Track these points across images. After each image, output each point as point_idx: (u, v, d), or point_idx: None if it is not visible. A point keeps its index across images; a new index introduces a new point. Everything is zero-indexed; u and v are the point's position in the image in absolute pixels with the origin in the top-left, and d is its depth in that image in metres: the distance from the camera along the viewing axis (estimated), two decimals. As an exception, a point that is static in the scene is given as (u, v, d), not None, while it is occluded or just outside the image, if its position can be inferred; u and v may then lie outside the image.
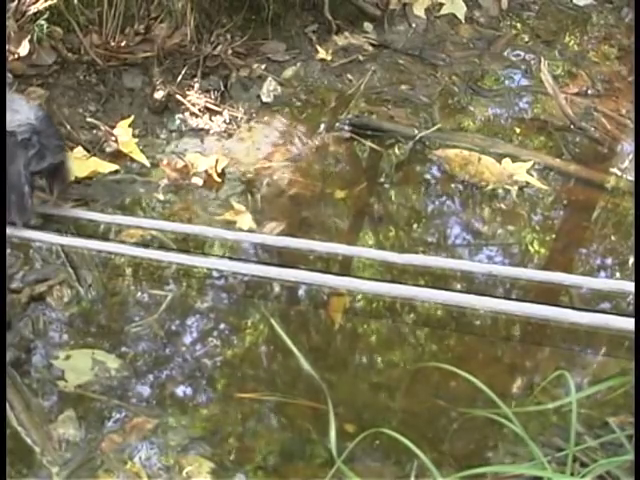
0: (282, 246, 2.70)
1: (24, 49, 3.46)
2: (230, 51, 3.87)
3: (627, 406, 2.36)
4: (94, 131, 3.41)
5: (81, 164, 3.15)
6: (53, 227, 2.91)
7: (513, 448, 2.29)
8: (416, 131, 3.57)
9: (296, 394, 2.44)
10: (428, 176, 3.42)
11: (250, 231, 2.98)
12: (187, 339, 2.63)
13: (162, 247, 2.74)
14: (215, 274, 2.76)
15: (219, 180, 3.22)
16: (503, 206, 3.24)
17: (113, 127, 3.41)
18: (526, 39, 4.32)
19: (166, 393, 2.45)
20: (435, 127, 3.59)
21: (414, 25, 4.27)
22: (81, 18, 3.65)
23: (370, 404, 2.45)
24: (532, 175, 3.36)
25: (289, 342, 2.42)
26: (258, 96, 3.74)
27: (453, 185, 3.32)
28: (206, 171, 3.26)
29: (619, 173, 3.44)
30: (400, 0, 4.28)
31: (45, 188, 2.60)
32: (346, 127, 3.62)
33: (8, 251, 2.78)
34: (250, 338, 2.66)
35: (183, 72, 3.69)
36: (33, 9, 3.49)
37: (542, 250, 3.10)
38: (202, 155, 3.34)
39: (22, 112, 2.45)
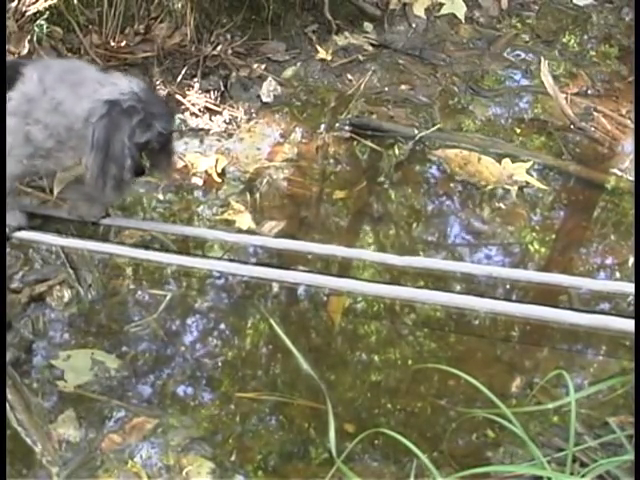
0: (281, 248, 2.71)
1: (24, 49, 3.46)
2: (230, 51, 3.88)
3: (627, 406, 2.36)
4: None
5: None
6: (53, 227, 2.92)
7: (513, 448, 2.29)
8: (416, 131, 3.57)
9: (296, 394, 2.44)
10: (428, 176, 3.42)
11: (249, 231, 2.98)
12: (187, 339, 2.63)
13: (162, 247, 2.74)
14: (215, 274, 2.76)
15: (219, 180, 3.22)
16: (503, 206, 3.24)
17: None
18: (526, 39, 4.32)
19: (166, 393, 2.45)
20: (435, 127, 3.60)
21: (414, 25, 4.27)
22: (81, 18, 3.66)
23: (370, 404, 2.45)
24: (532, 175, 3.36)
25: (288, 342, 2.42)
26: (258, 96, 3.74)
27: (453, 185, 3.32)
28: (206, 171, 3.26)
29: (619, 173, 3.44)
30: (400, 0, 4.29)
31: (144, 166, 2.39)
32: (346, 127, 3.62)
33: (8, 251, 2.78)
34: (250, 338, 2.66)
35: (183, 72, 3.69)
36: (33, 9, 3.49)
37: (542, 250, 3.10)
38: (202, 155, 3.35)
39: (121, 84, 2.34)
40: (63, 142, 2.39)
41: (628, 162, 3.48)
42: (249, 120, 3.60)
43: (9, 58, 2.63)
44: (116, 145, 2.29)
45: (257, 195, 3.24)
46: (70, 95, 2.35)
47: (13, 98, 2.39)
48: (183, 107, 3.56)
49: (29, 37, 3.47)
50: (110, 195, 2.43)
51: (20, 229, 2.54)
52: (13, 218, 2.52)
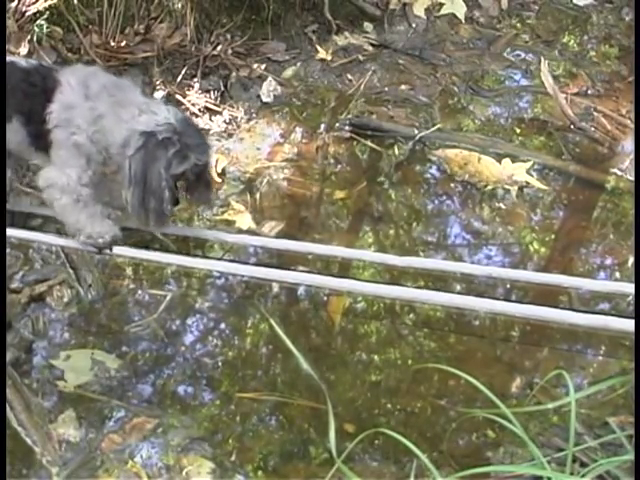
0: (281, 248, 2.71)
1: (24, 49, 3.46)
2: (230, 51, 3.87)
3: (627, 406, 2.36)
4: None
5: None
6: (53, 227, 2.92)
7: (513, 448, 2.29)
8: (416, 131, 3.57)
9: (296, 394, 2.44)
10: (428, 176, 3.42)
11: (249, 231, 2.98)
12: (187, 339, 2.63)
13: (162, 247, 2.73)
14: (215, 274, 2.76)
15: (219, 180, 3.22)
16: (503, 206, 3.24)
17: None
18: (526, 39, 4.32)
19: (166, 393, 2.45)
20: (435, 127, 3.60)
21: (414, 25, 4.27)
22: (81, 18, 3.65)
23: (370, 404, 2.45)
24: (532, 175, 3.36)
25: (288, 342, 2.42)
26: (258, 96, 3.74)
27: (453, 185, 3.32)
28: (206, 171, 3.26)
29: (619, 173, 3.44)
30: (400, 0, 4.28)
31: (178, 196, 2.39)
32: (346, 127, 3.62)
33: (8, 251, 2.78)
34: (250, 338, 2.66)
35: (183, 72, 3.69)
36: (33, 9, 3.49)
37: (542, 250, 3.10)
38: (202, 155, 3.34)
39: (160, 113, 2.32)
40: (109, 154, 2.38)
41: (628, 162, 3.48)
42: (249, 120, 3.60)
43: (40, 64, 2.57)
44: (153, 178, 2.28)
45: (257, 195, 3.24)
46: (111, 113, 2.33)
47: (54, 110, 2.36)
48: (183, 107, 3.56)
49: (29, 37, 3.47)
50: (153, 227, 2.42)
51: (117, 241, 2.46)
52: (107, 229, 2.43)
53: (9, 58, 2.56)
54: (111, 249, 2.48)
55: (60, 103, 2.36)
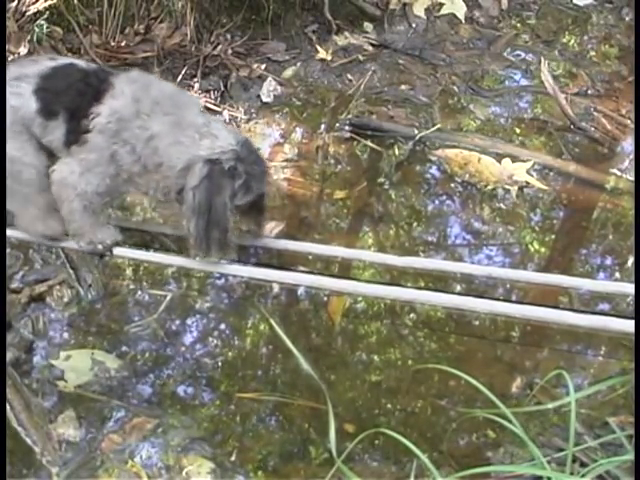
0: (281, 248, 2.71)
1: (24, 49, 3.46)
2: (230, 51, 3.88)
3: (627, 406, 2.36)
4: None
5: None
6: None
7: (513, 448, 2.29)
8: (416, 131, 3.57)
9: (296, 394, 2.44)
10: (428, 176, 3.42)
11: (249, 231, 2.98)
12: (187, 339, 2.63)
13: (162, 247, 2.73)
14: (215, 274, 2.76)
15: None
16: (503, 206, 3.24)
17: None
18: (526, 39, 4.32)
19: (166, 393, 2.45)
20: (435, 127, 3.60)
21: (414, 25, 4.27)
22: (81, 18, 3.66)
23: (370, 404, 2.45)
24: (532, 175, 3.36)
25: (288, 342, 2.42)
26: (258, 96, 3.74)
27: (453, 185, 3.32)
28: (206, 171, 3.25)
29: (619, 173, 3.44)
30: (400, 0, 4.29)
31: (216, 239, 2.28)
32: (346, 127, 3.62)
33: (8, 251, 2.78)
34: (250, 338, 2.66)
35: (183, 72, 3.69)
36: (33, 9, 3.49)
37: (542, 250, 3.10)
38: (202, 155, 3.34)
39: (221, 137, 2.23)
40: (150, 171, 2.29)
41: (628, 162, 3.48)
42: (249, 120, 3.60)
43: (100, 68, 2.51)
44: (219, 209, 2.21)
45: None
46: (166, 133, 2.25)
47: (102, 114, 2.28)
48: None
49: (29, 37, 3.47)
50: (215, 257, 2.33)
51: (117, 244, 2.47)
52: (108, 234, 2.44)
53: (69, 60, 2.50)
54: (111, 253, 2.47)
55: (109, 109, 2.28)
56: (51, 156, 2.49)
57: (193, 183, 2.21)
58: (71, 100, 2.34)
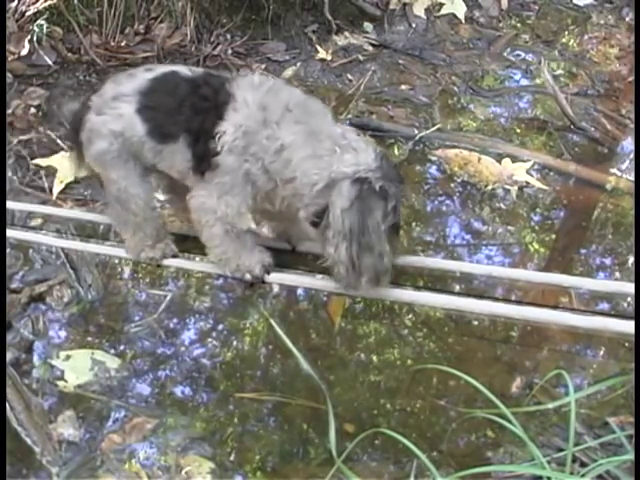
0: (283, 249, 2.71)
1: (24, 49, 3.46)
2: (230, 51, 3.88)
3: (627, 406, 2.36)
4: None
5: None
6: (53, 227, 2.92)
7: (513, 448, 2.29)
8: (416, 131, 3.57)
9: (296, 394, 2.44)
10: (428, 176, 3.42)
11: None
12: (187, 339, 2.63)
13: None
14: (215, 274, 2.75)
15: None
16: (503, 206, 3.24)
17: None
18: (526, 39, 4.32)
19: (166, 393, 2.45)
20: (435, 127, 3.60)
21: (414, 25, 4.27)
22: (81, 18, 3.66)
23: (370, 404, 2.44)
24: (532, 175, 3.36)
25: (289, 342, 2.42)
26: (258, 96, 3.74)
27: (453, 185, 3.32)
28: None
29: (619, 173, 3.44)
30: (400, 0, 4.29)
31: (369, 266, 2.13)
32: (346, 127, 3.61)
33: (8, 251, 2.78)
34: (250, 338, 2.66)
35: (183, 72, 3.69)
36: (33, 9, 3.49)
37: (542, 250, 3.09)
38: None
39: (360, 151, 2.03)
40: (277, 187, 2.14)
41: (628, 162, 3.48)
42: (249, 120, 3.60)
43: (207, 73, 2.26)
44: (373, 233, 2.02)
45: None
46: (300, 146, 2.04)
47: (227, 132, 2.06)
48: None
49: (29, 37, 3.47)
50: (365, 288, 2.16)
51: (268, 271, 2.46)
52: (256, 259, 2.35)
53: (171, 68, 2.28)
54: (263, 282, 2.31)
55: (234, 124, 2.09)
56: (160, 180, 2.35)
57: (343, 205, 2.01)
58: (189, 119, 2.13)
